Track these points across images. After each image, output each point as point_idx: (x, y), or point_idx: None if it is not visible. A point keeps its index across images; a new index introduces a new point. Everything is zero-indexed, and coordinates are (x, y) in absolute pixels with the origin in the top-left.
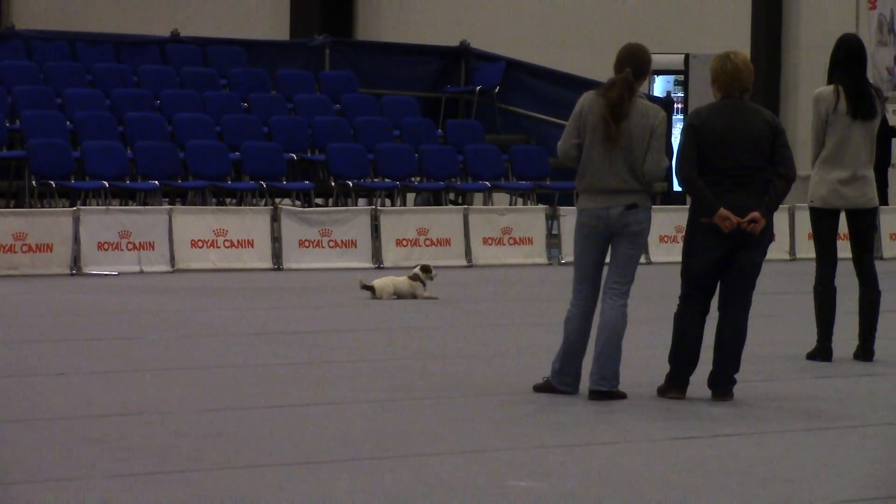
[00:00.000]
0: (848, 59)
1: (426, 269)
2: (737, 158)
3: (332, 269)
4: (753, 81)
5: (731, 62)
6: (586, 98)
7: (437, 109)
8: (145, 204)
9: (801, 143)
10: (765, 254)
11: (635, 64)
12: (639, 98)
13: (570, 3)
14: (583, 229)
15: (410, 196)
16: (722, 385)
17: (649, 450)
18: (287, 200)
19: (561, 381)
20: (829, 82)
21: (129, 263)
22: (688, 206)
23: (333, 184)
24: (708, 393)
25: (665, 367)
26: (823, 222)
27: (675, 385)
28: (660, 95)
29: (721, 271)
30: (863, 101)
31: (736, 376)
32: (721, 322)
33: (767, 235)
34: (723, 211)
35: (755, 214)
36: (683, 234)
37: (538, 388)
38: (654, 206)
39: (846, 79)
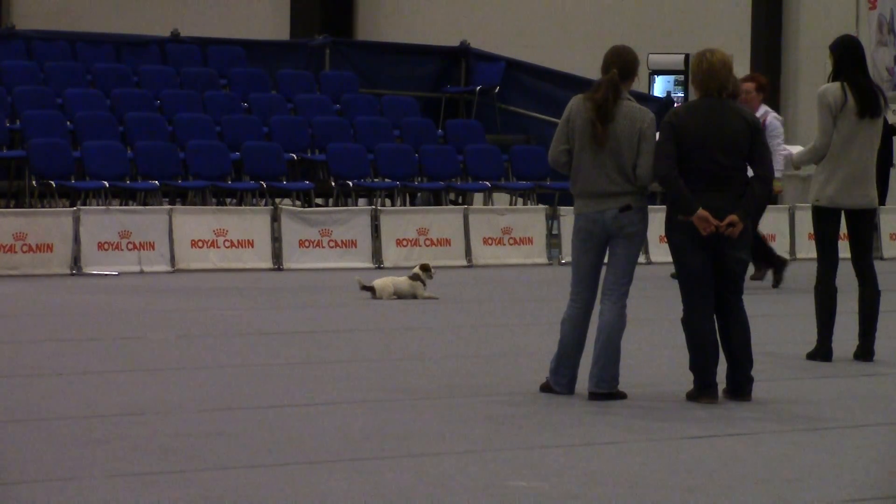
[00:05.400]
0: (853, 58)
1: (426, 269)
2: (714, 158)
3: (332, 269)
4: (731, 79)
5: (706, 61)
6: (574, 103)
7: (437, 109)
8: (145, 204)
9: (801, 143)
10: (748, 251)
11: (621, 65)
12: (626, 100)
13: (570, 3)
14: (579, 233)
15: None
16: (742, 387)
17: (649, 450)
18: (287, 200)
19: (556, 382)
20: (835, 80)
21: (129, 263)
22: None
23: (333, 184)
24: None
25: (670, 370)
26: (827, 222)
27: (706, 391)
28: (660, 95)
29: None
30: (870, 99)
31: (752, 373)
32: (725, 327)
33: (748, 234)
34: (702, 211)
35: (733, 218)
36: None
37: (543, 388)
38: (654, 206)
39: (853, 77)
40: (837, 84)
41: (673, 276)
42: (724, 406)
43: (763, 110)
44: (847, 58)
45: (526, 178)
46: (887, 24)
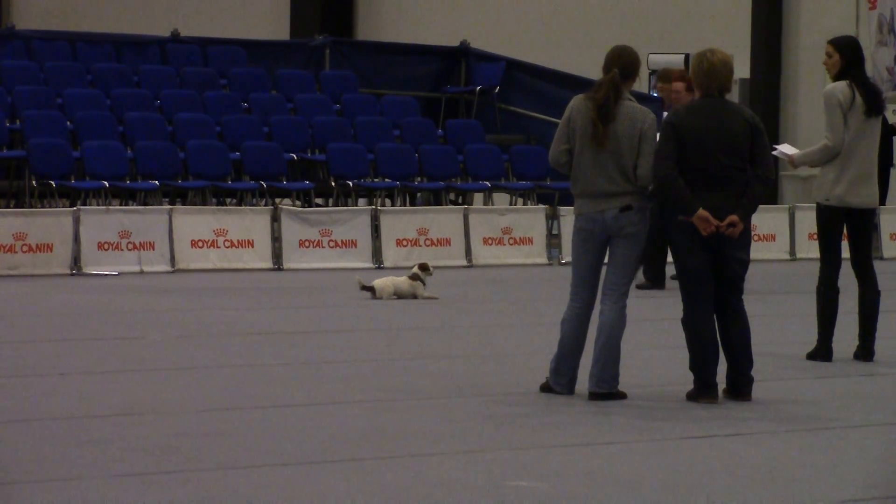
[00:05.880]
0: (859, 58)
1: (424, 268)
2: (715, 158)
3: (332, 269)
4: (731, 79)
5: (707, 61)
6: (574, 102)
7: (437, 109)
8: (145, 204)
9: (802, 144)
10: (749, 251)
11: (622, 65)
12: (627, 101)
13: (570, 3)
14: (580, 233)
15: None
16: (742, 387)
17: (649, 450)
18: (287, 200)
19: (556, 382)
20: (841, 79)
21: (129, 263)
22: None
23: (333, 184)
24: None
25: (670, 370)
26: (835, 222)
27: (706, 391)
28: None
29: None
30: (874, 97)
31: (752, 373)
32: (724, 326)
33: (748, 234)
34: (702, 212)
35: (734, 218)
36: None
37: (543, 388)
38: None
39: (859, 76)
40: (844, 83)
41: (673, 277)
42: (724, 406)
43: None
44: (854, 57)
45: (526, 178)
46: (887, 24)
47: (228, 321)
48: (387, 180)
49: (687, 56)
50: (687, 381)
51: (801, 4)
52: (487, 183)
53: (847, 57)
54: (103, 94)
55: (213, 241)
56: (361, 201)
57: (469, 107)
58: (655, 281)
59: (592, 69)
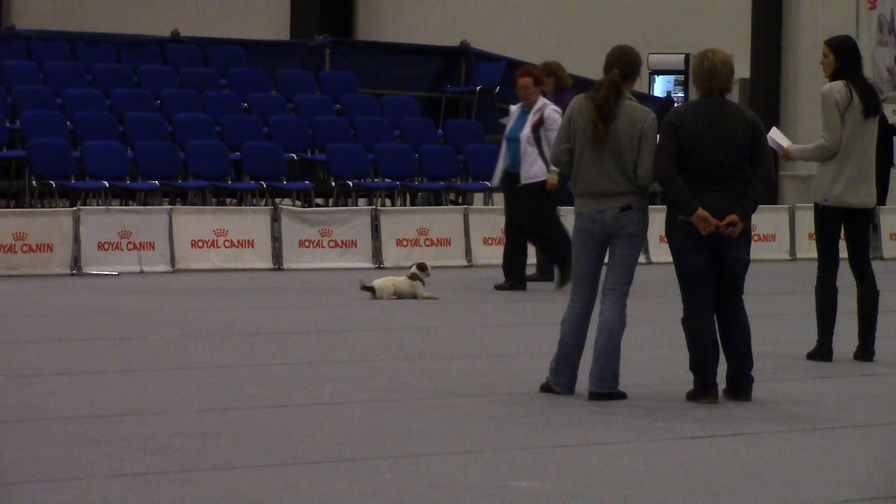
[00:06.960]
0: (856, 58)
1: (422, 268)
2: (715, 158)
3: (332, 269)
4: (732, 80)
5: (707, 60)
6: (575, 102)
7: (437, 109)
8: (145, 204)
9: (802, 143)
10: (749, 251)
11: (623, 65)
12: (628, 100)
13: (570, 3)
14: (580, 233)
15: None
16: (742, 387)
17: (649, 450)
18: (287, 200)
19: (556, 382)
20: (837, 79)
21: (129, 263)
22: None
23: (333, 184)
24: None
25: (670, 370)
26: (832, 222)
27: (706, 391)
28: (660, 95)
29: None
30: (871, 98)
31: (752, 373)
32: (725, 326)
33: (748, 234)
34: (701, 211)
35: (733, 217)
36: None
37: (543, 388)
38: (653, 206)
39: (855, 77)
40: (841, 82)
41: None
42: (724, 406)
43: (541, 103)
44: (850, 57)
45: None
46: (887, 24)
47: (228, 321)
48: (387, 180)
49: (687, 56)
50: (687, 381)
51: (801, 4)
52: (487, 183)
53: (842, 57)
54: (103, 94)
55: (213, 241)
56: (361, 201)
57: (469, 107)
58: (517, 281)
59: (593, 69)
